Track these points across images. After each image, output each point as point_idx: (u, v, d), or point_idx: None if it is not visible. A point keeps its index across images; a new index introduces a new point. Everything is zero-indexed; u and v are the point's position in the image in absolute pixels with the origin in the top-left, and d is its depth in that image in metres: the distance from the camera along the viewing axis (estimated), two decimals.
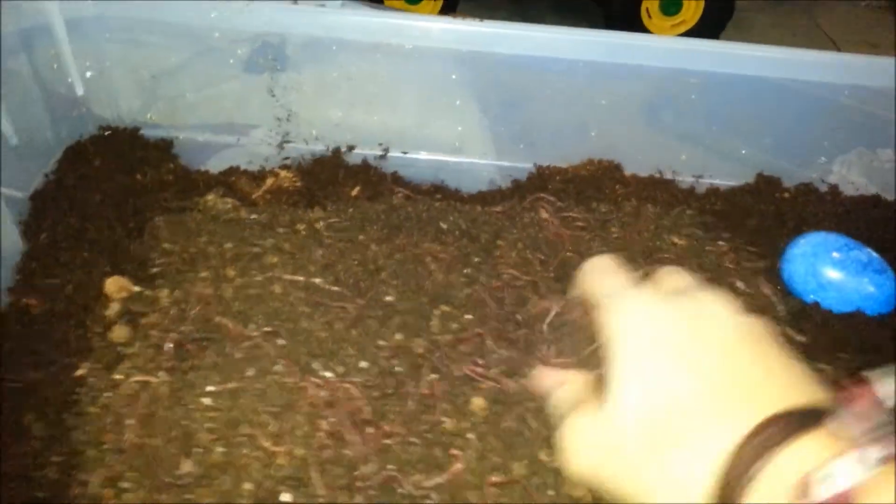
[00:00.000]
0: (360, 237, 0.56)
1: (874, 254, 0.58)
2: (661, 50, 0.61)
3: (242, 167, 0.63)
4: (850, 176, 0.69)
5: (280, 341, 0.45)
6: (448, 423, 0.42)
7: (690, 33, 1.90)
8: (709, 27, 1.90)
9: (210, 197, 0.56)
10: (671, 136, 0.65)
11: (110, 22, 0.59)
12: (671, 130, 0.65)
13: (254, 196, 0.60)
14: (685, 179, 0.66)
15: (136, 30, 0.59)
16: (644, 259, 0.58)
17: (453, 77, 0.62)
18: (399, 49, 0.60)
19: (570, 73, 0.62)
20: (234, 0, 0.57)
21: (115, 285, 0.50)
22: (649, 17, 1.90)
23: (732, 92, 0.63)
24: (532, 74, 0.63)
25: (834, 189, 0.65)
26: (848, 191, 0.66)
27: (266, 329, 0.46)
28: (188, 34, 0.58)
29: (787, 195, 0.65)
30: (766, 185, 0.65)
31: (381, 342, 0.46)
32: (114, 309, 0.49)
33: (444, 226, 0.59)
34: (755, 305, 0.54)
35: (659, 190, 0.65)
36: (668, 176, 0.66)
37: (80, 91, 0.59)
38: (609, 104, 0.64)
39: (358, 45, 0.60)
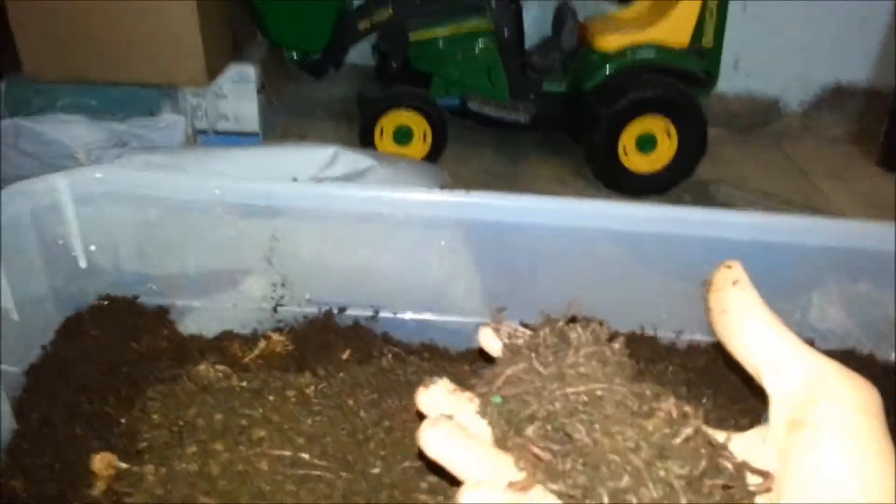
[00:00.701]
0: (350, 402, 0.57)
1: None
2: (638, 217, 0.65)
3: (236, 330, 0.65)
4: (829, 309, 0.71)
5: None
6: None
7: (667, 168, 1.99)
8: (683, 162, 1.99)
9: (202, 366, 0.58)
10: (652, 293, 0.68)
11: (118, 197, 0.62)
12: (652, 288, 0.68)
13: (246, 360, 0.62)
14: (666, 335, 0.68)
15: (142, 204, 0.62)
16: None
17: (442, 243, 0.65)
18: (390, 218, 0.63)
19: (551, 237, 0.66)
20: (237, 182, 0.61)
21: (102, 462, 0.50)
22: (626, 154, 1.99)
23: (709, 251, 0.66)
24: (515, 238, 0.66)
25: (810, 342, 0.67)
26: (824, 330, 0.68)
27: None
28: (192, 209, 0.62)
29: None
30: None
31: None
32: (100, 488, 0.49)
33: None
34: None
35: (642, 346, 0.66)
36: (650, 332, 0.68)
37: (83, 264, 0.62)
38: (590, 265, 0.67)
39: (350, 214, 0.63)
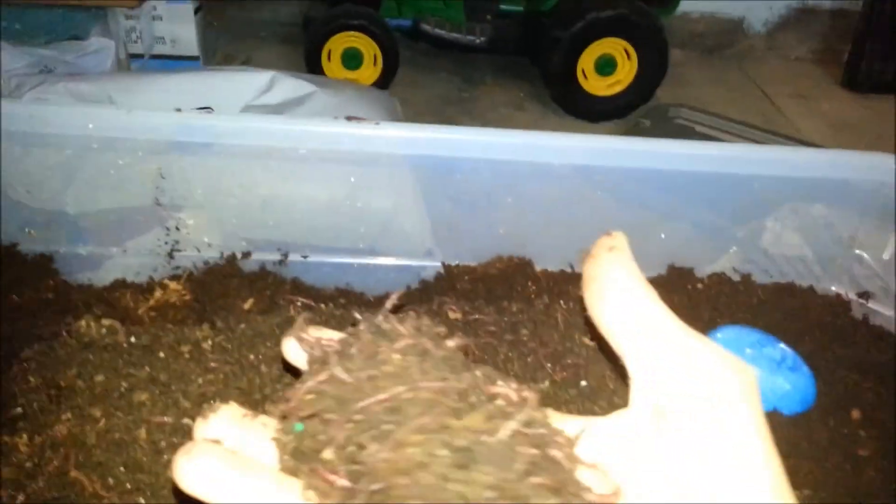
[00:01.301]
0: (251, 357, 0.52)
1: (788, 349, 0.57)
2: (565, 148, 0.60)
3: (129, 279, 0.59)
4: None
5: (140, 501, 0.41)
6: None
7: (626, 92, 1.93)
8: (644, 85, 1.94)
9: (83, 322, 0.52)
10: (580, 231, 0.64)
11: None
12: (580, 225, 0.64)
13: (140, 311, 0.56)
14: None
15: (10, 142, 0.55)
16: (552, 364, 0.55)
17: (352, 179, 0.60)
18: (292, 153, 0.57)
19: (474, 172, 0.60)
20: (114, 111, 0.54)
21: None
22: (585, 77, 1.92)
23: (640, 185, 0.62)
24: (436, 174, 0.61)
25: (747, 279, 0.64)
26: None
27: (127, 485, 0.42)
28: (65, 145, 0.55)
29: (700, 286, 0.63)
30: (678, 277, 0.63)
31: None
32: None
33: None
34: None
35: (571, 285, 0.63)
36: (579, 270, 0.64)
37: None
38: (515, 202, 0.62)
39: (248, 149, 0.57)
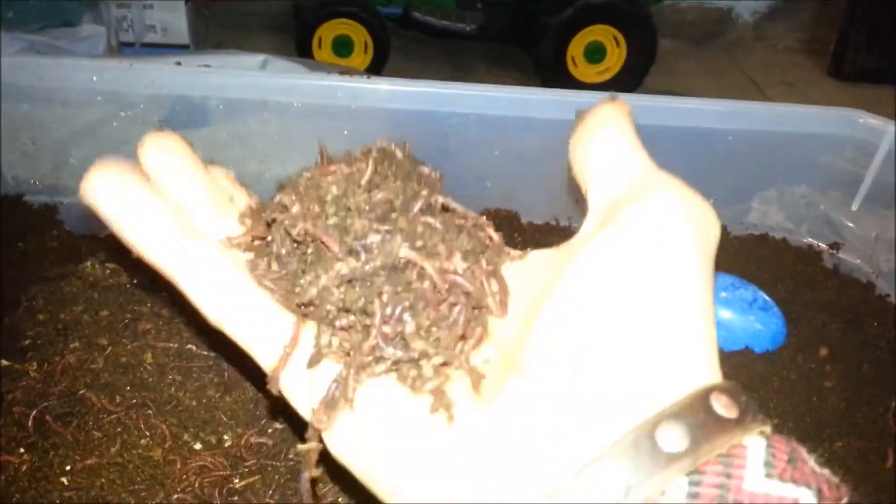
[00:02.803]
0: None
1: (759, 291, 0.60)
2: (548, 102, 0.63)
3: None
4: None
5: (148, 412, 0.44)
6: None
7: (615, 79, 1.96)
8: (633, 73, 1.96)
9: (88, 263, 0.55)
10: (565, 184, 0.66)
11: None
12: (565, 178, 0.66)
13: (139, 259, 0.59)
14: (580, 226, 0.67)
15: (14, 96, 0.58)
16: None
17: (345, 132, 0.62)
18: (287, 107, 0.60)
19: (462, 125, 0.63)
20: (117, 62, 0.57)
21: None
22: (575, 65, 1.95)
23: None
24: (423, 127, 0.64)
25: (723, 229, 0.67)
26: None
27: (133, 401, 0.44)
28: (69, 99, 0.57)
29: None
30: None
31: (255, 408, 0.45)
32: None
33: None
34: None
35: (555, 237, 0.65)
36: (564, 223, 0.67)
37: None
38: (503, 155, 0.64)
39: (245, 103, 0.60)
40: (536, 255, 0.26)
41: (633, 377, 0.20)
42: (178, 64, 0.58)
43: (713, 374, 0.21)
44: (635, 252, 0.22)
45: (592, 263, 0.22)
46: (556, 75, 1.92)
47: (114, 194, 0.22)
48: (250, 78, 0.58)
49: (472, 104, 0.62)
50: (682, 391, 0.20)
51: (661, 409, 0.20)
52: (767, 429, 0.21)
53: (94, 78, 0.56)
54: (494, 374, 0.22)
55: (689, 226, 0.22)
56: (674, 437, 0.19)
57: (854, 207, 0.66)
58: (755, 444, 0.20)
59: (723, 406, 0.20)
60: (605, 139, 0.25)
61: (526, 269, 0.25)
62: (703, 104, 0.65)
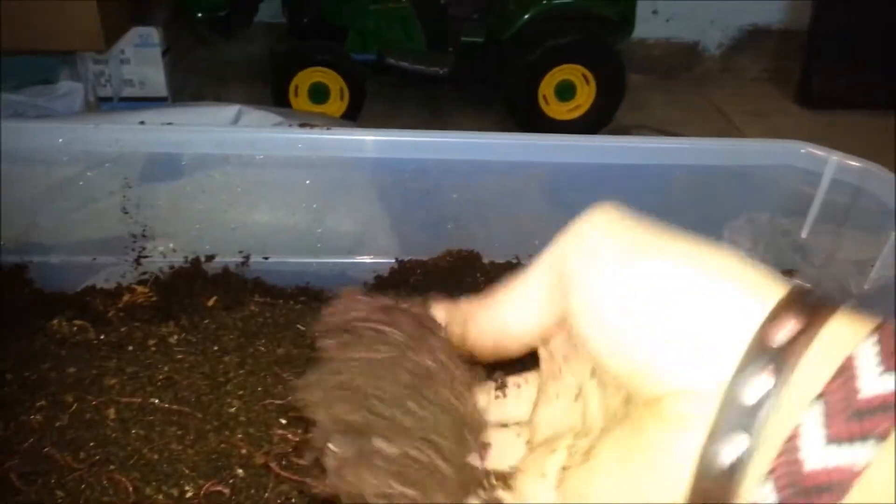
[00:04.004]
0: (214, 348, 0.56)
1: None
2: (503, 146, 0.65)
3: (99, 285, 0.63)
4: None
5: (112, 468, 0.44)
6: None
7: (587, 115, 2.00)
8: (603, 109, 2.01)
9: (56, 321, 0.56)
10: (523, 224, 0.68)
11: None
12: (522, 218, 0.68)
13: (109, 315, 0.60)
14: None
15: None
16: None
17: (307, 182, 0.64)
18: (249, 160, 0.62)
19: (421, 171, 0.65)
20: (83, 123, 0.59)
21: None
22: (547, 103, 1.99)
23: (575, 178, 0.67)
24: (386, 174, 0.66)
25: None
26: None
27: (97, 457, 0.45)
28: (35, 159, 0.59)
29: None
30: None
31: (218, 458, 0.45)
32: None
33: (302, 328, 0.59)
34: None
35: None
36: (525, 262, 0.69)
37: None
38: (460, 198, 0.66)
39: (208, 157, 0.61)
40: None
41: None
42: (143, 123, 0.59)
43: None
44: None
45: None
46: (528, 114, 1.96)
47: None
48: (212, 133, 0.60)
49: (430, 149, 0.64)
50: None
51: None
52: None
53: (60, 140, 0.58)
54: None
55: None
56: None
57: (804, 235, 0.68)
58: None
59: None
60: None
61: None
62: (653, 142, 0.67)
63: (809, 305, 0.21)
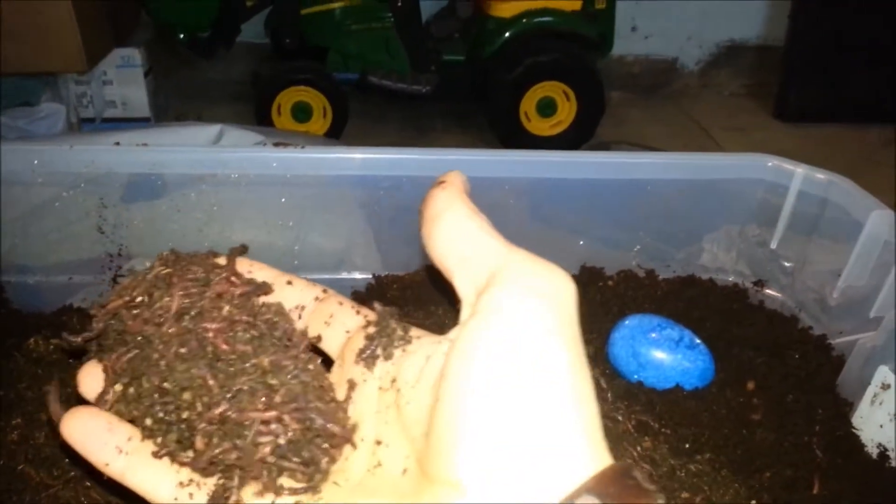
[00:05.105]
0: None
1: (686, 330, 0.62)
2: (476, 162, 0.66)
3: (76, 304, 0.63)
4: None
5: (87, 484, 0.45)
6: None
7: (568, 131, 2.03)
8: (584, 124, 2.03)
9: (32, 340, 0.56)
10: (507, 237, 0.69)
11: None
12: (506, 232, 0.69)
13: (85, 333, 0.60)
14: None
15: None
16: None
17: (283, 200, 0.65)
18: (224, 179, 0.62)
19: (396, 188, 0.66)
20: (58, 145, 0.59)
21: None
22: (528, 119, 2.01)
23: (550, 192, 0.68)
24: (361, 191, 0.67)
25: (651, 273, 0.70)
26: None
27: (72, 474, 0.45)
28: (12, 181, 0.60)
29: (610, 283, 0.69)
30: (590, 276, 0.69)
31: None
32: None
33: None
34: None
35: None
36: None
37: None
38: None
39: (183, 177, 0.62)
40: (428, 342, 0.27)
41: (519, 480, 0.20)
42: (117, 144, 0.60)
43: (595, 458, 0.21)
44: (499, 344, 0.22)
45: (467, 361, 0.23)
46: (510, 131, 1.98)
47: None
48: (186, 154, 0.61)
49: (403, 167, 0.65)
50: (564, 486, 0.20)
51: None
52: None
53: (36, 161, 0.59)
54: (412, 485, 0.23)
55: (540, 300, 0.23)
56: None
57: (773, 246, 0.70)
58: None
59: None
60: (451, 230, 0.26)
61: (422, 355, 0.27)
62: (630, 157, 0.69)
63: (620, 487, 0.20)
